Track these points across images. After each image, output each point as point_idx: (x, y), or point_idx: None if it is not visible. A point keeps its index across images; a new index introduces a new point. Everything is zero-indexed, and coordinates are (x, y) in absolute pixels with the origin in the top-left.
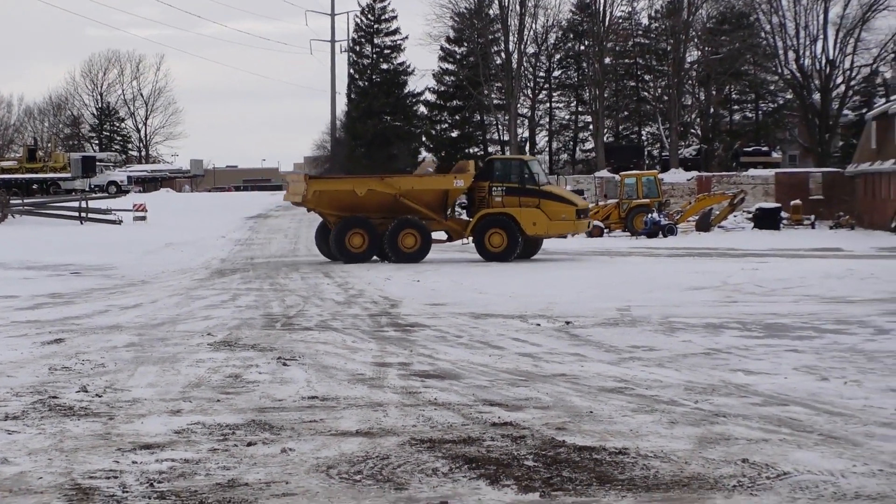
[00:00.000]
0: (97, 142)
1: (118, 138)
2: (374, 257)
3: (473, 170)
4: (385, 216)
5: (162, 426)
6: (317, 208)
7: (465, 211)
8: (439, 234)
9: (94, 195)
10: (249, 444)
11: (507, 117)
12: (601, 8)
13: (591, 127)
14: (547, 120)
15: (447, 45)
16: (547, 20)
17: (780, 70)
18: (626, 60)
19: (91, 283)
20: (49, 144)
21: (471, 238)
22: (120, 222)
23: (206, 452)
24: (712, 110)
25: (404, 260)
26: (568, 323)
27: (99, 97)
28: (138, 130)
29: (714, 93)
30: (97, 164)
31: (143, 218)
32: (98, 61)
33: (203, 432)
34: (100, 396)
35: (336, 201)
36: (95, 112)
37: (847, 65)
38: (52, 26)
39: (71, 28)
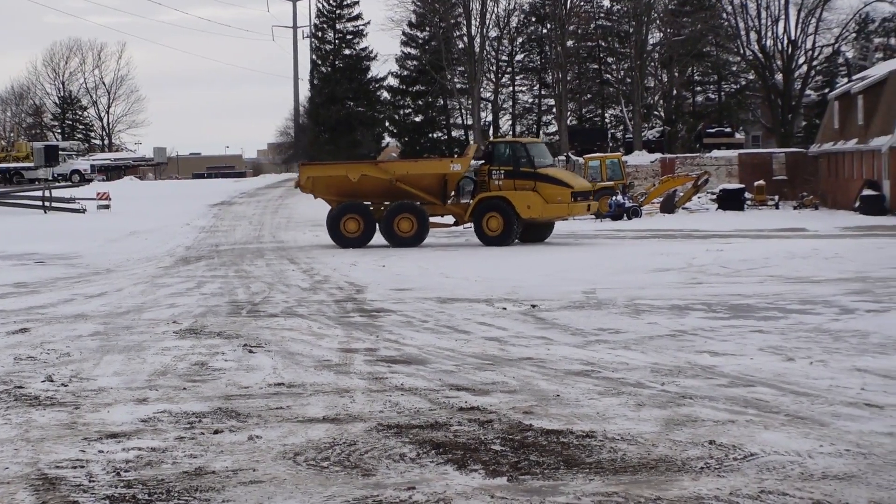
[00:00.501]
0: (60, 131)
1: (81, 127)
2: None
3: (474, 153)
4: (384, 201)
5: (128, 415)
6: (315, 194)
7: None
8: (448, 219)
9: (57, 184)
10: (216, 432)
11: (470, 101)
12: None
13: (554, 110)
14: (510, 104)
15: (409, 30)
16: (509, 3)
17: (742, 51)
18: (589, 43)
19: (55, 273)
20: (11, 134)
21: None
22: (84, 211)
23: (173, 441)
24: (675, 92)
25: (400, 244)
26: (534, 306)
27: (61, 86)
28: (101, 119)
29: (676, 74)
30: (60, 153)
31: (107, 206)
32: (59, 50)
33: (169, 420)
34: (65, 386)
35: (332, 187)
36: (58, 101)
37: (809, 45)
38: (13, 14)
39: (31, 16)
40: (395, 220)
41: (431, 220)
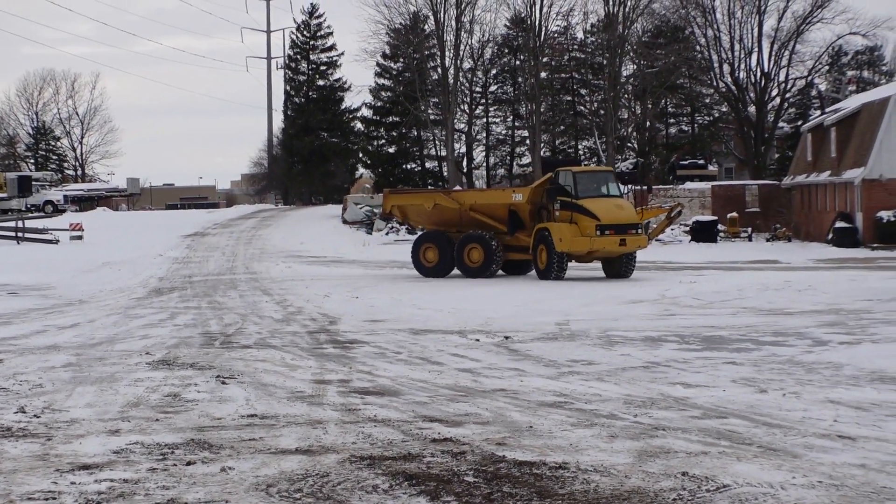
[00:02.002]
0: (33, 161)
1: (54, 157)
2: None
3: (537, 183)
4: (460, 230)
5: (100, 446)
6: (404, 221)
7: None
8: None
9: (30, 215)
10: (189, 464)
11: (444, 132)
12: (536, 23)
13: (527, 141)
14: (484, 135)
15: (383, 61)
16: (482, 35)
17: (715, 83)
18: (562, 75)
19: (28, 303)
20: None
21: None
22: (57, 242)
23: (146, 472)
24: (648, 124)
25: (470, 274)
26: (507, 338)
27: (34, 116)
28: (74, 149)
29: (650, 106)
30: (33, 183)
31: (80, 237)
32: (33, 80)
33: (142, 452)
34: (38, 417)
35: (414, 214)
36: (31, 131)
37: (782, 77)
38: None
39: (5, 47)
40: (465, 250)
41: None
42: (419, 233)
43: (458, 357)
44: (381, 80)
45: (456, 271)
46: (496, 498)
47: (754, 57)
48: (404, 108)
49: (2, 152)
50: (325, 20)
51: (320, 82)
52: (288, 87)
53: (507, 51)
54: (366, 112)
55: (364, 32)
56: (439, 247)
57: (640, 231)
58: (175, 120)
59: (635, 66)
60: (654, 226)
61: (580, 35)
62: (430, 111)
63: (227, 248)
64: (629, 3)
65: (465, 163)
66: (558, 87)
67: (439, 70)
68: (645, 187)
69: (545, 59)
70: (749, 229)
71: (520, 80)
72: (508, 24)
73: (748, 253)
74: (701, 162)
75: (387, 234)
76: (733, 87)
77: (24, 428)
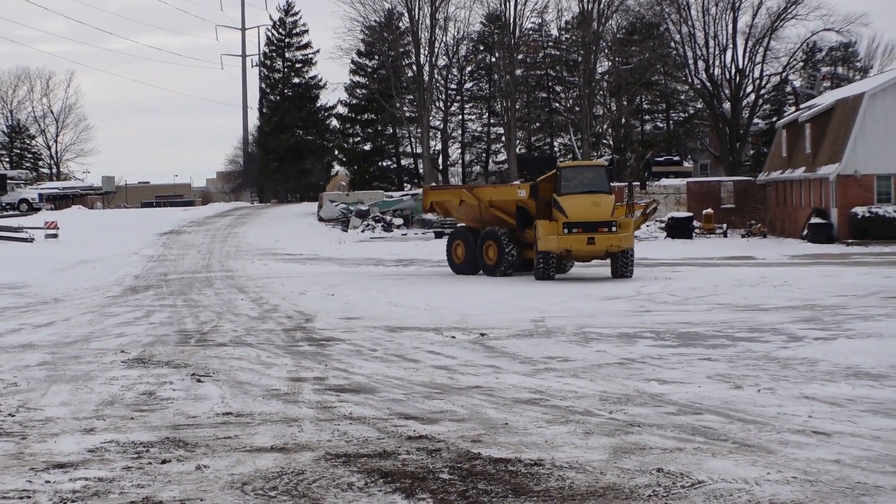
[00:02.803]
0: (8, 159)
1: (29, 156)
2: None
3: (541, 179)
4: (483, 226)
5: (75, 445)
6: (445, 216)
7: None
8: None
9: (5, 213)
10: (164, 462)
11: (419, 130)
12: (511, 20)
13: (503, 138)
14: (459, 132)
15: (358, 59)
16: (457, 32)
17: (690, 80)
18: (537, 72)
19: (3, 302)
20: None
21: None
22: (31, 240)
23: (121, 471)
24: (623, 120)
25: (487, 272)
26: (483, 335)
27: (9, 114)
28: (49, 147)
29: (625, 103)
30: (8, 181)
31: (55, 235)
32: (7, 78)
33: (117, 450)
34: (12, 416)
35: (452, 210)
36: (5, 129)
37: (757, 73)
38: None
39: None
40: (483, 247)
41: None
42: (437, 229)
43: (434, 354)
44: (357, 78)
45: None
46: (471, 495)
47: (729, 53)
48: (379, 105)
49: None
50: (300, 18)
51: (296, 80)
52: (263, 85)
53: (482, 48)
54: (341, 109)
55: (339, 29)
56: (466, 244)
57: (614, 229)
58: (150, 118)
59: (610, 63)
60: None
61: (555, 32)
62: (405, 108)
63: (203, 246)
64: (603, 0)
65: (440, 160)
66: (533, 84)
67: (414, 67)
68: (630, 183)
69: (520, 56)
70: (724, 225)
71: (495, 76)
72: (483, 20)
73: (723, 249)
74: (676, 158)
75: (362, 231)
76: (708, 84)
77: None
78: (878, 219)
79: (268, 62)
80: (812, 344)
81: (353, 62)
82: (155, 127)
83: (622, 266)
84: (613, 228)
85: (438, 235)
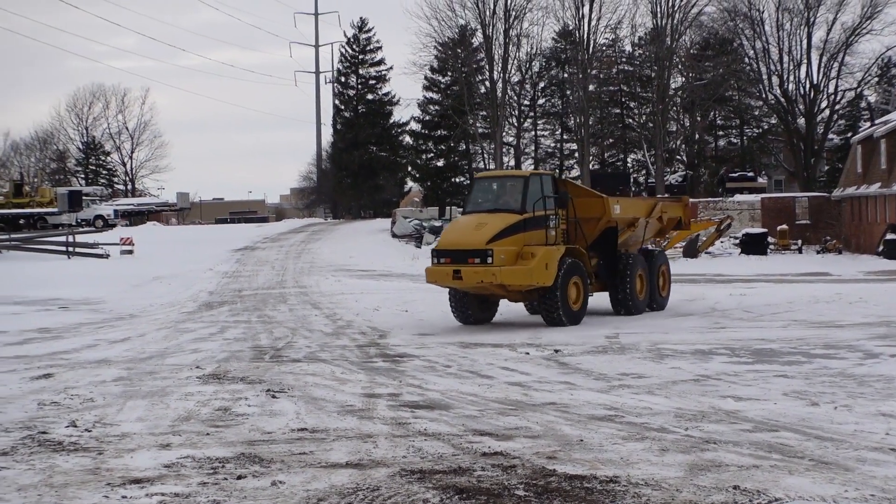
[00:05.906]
0: (83, 176)
1: (104, 172)
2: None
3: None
4: None
5: (151, 460)
6: None
7: None
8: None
9: (80, 229)
10: (239, 478)
11: (492, 146)
12: (584, 36)
13: (576, 154)
14: (532, 148)
15: (431, 75)
16: (531, 48)
17: (764, 95)
18: (611, 87)
19: (79, 318)
20: (35, 179)
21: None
22: (107, 256)
23: (196, 486)
24: (697, 136)
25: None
26: (557, 351)
27: (84, 131)
28: (124, 164)
29: (699, 119)
30: (84, 198)
31: (131, 251)
32: (83, 95)
33: (193, 466)
34: (89, 431)
35: None
36: (81, 146)
37: (831, 89)
38: (34, 58)
39: (52, 61)
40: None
41: None
42: None
43: (508, 370)
44: (430, 94)
45: None
46: None
47: (803, 69)
48: (452, 121)
49: (52, 167)
50: (374, 34)
51: (369, 96)
52: (337, 102)
53: (555, 64)
54: (414, 126)
55: (413, 45)
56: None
57: (489, 261)
58: (224, 134)
59: (684, 79)
60: (704, 238)
61: (628, 48)
62: (478, 124)
63: (277, 262)
64: (677, 16)
65: None
66: (607, 100)
67: (487, 83)
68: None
69: (593, 72)
70: (799, 241)
71: (568, 92)
72: (556, 37)
73: (798, 265)
74: (750, 174)
75: None
76: (782, 99)
77: (76, 442)
78: None
79: (342, 79)
80: (888, 361)
81: (426, 78)
82: (229, 143)
83: (545, 309)
84: (488, 260)
85: None
